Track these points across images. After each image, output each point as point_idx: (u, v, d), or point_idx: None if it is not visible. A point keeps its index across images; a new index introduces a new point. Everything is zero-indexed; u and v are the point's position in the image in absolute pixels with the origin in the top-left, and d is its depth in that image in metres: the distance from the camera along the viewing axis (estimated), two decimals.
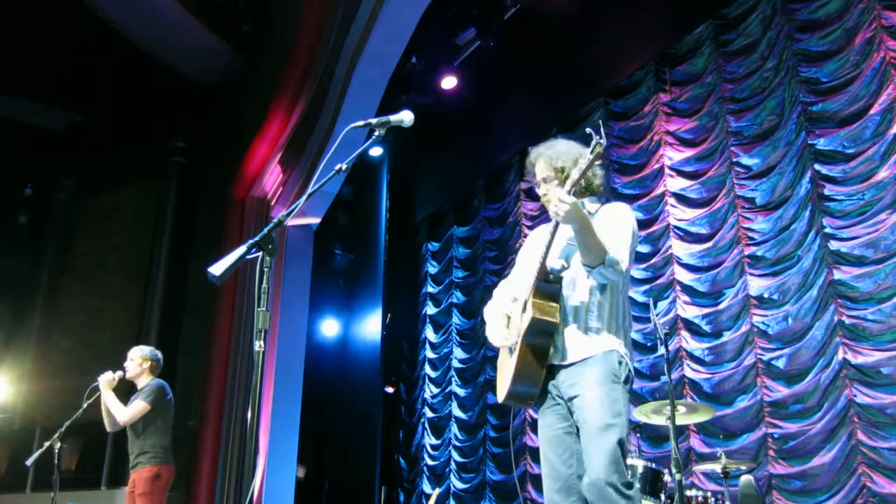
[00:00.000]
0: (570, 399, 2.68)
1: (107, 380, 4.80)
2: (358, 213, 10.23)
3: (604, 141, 2.56)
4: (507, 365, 2.82)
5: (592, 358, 2.68)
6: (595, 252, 2.62)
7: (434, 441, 9.04)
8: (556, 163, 2.89)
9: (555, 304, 2.71)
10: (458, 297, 9.20)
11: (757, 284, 5.72)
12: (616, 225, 2.78)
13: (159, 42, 8.89)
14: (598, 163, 2.65)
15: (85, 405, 4.83)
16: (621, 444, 2.56)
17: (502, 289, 3.10)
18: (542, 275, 2.71)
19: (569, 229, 2.77)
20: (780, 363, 5.47)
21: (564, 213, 2.55)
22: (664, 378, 5.20)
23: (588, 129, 2.62)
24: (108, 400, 4.78)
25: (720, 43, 6.38)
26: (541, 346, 2.70)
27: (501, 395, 2.83)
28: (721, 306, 5.93)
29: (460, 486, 8.44)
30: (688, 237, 6.33)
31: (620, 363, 2.69)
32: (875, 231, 5.04)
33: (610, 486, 2.49)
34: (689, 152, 6.46)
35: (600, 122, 2.77)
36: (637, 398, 6.20)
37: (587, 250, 2.64)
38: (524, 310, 2.76)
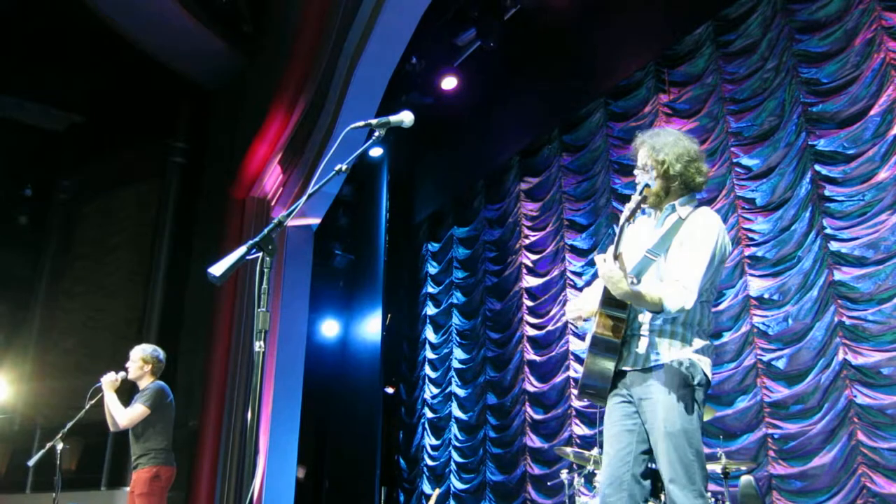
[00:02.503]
0: (641, 401, 2.66)
1: (109, 381, 4.79)
2: (358, 213, 10.23)
3: (652, 183, 2.66)
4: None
5: (665, 364, 2.63)
6: (652, 307, 2.59)
7: (434, 441, 9.04)
8: (659, 155, 2.78)
9: (621, 319, 2.66)
10: (458, 297, 9.20)
11: (757, 285, 5.72)
12: (692, 248, 2.65)
13: (159, 43, 8.90)
14: (644, 206, 2.71)
15: (87, 406, 4.83)
16: (696, 449, 2.53)
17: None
18: (608, 292, 2.64)
19: (648, 236, 2.79)
20: (781, 364, 5.47)
21: (604, 278, 2.56)
22: None
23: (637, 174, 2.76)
24: (110, 402, 4.78)
25: (720, 44, 6.38)
26: (605, 358, 2.69)
27: (578, 389, 2.85)
28: (721, 307, 5.92)
29: (460, 486, 8.44)
30: None
31: (693, 366, 2.63)
32: (875, 232, 5.04)
33: (678, 491, 2.49)
34: None
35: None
36: None
37: (644, 308, 2.63)
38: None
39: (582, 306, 2.84)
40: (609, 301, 2.66)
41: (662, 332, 2.67)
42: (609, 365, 2.69)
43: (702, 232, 2.67)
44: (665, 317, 2.63)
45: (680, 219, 2.75)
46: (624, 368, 2.71)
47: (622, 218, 2.62)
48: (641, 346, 2.69)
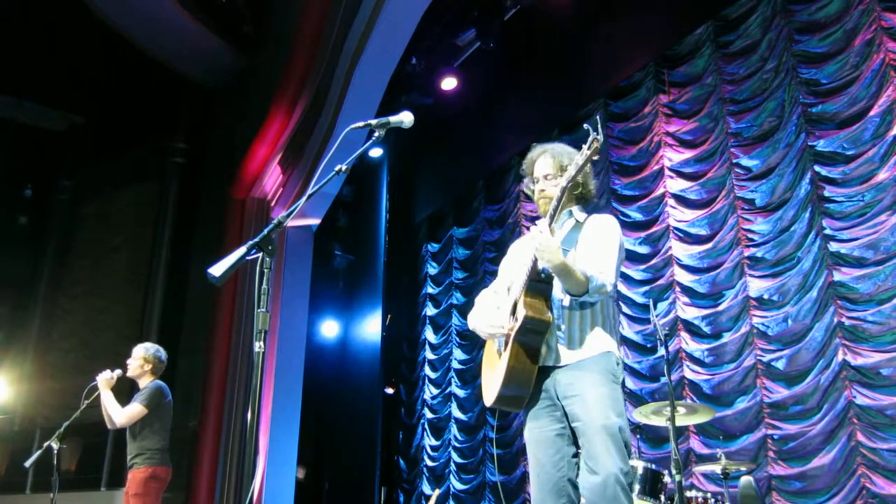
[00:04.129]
0: (568, 398, 2.65)
1: (105, 379, 4.79)
2: (358, 213, 10.23)
3: (601, 137, 2.55)
4: (497, 367, 2.77)
5: (589, 359, 2.67)
6: (577, 286, 2.62)
7: (434, 442, 9.04)
8: (563, 160, 2.83)
9: (545, 303, 2.69)
10: (457, 298, 9.20)
11: (757, 286, 5.71)
12: (602, 241, 2.75)
13: (159, 43, 8.91)
14: (595, 158, 2.63)
15: (84, 405, 4.82)
16: (626, 441, 2.59)
17: (484, 298, 3.04)
18: (533, 274, 2.68)
19: (563, 230, 2.83)
20: (780, 364, 5.47)
21: (540, 249, 2.57)
22: (664, 379, 5.21)
23: (585, 125, 2.61)
24: (106, 400, 4.77)
25: (720, 44, 6.38)
26: (532, 345, 2.68)
27: (490, 398, 2.77)
28: (721, 307, 5.92)
29: (460, 486, 8.44)
30: (687, 238, 6.33)
31: (618, 364, 2.71)
32: (875, 232, 5.04)
33: (620, 479, 2.51)
34: (688, 153, 6.46)
35: (598, 117, 2.77)
36: (637, 399, 6.20)
37: (569, 286, 2.64)
38: (514, 311, 2.74)
39: (502, 321, 2.79)
40: (534, 283, 2.68)
41: (583, 322, 2.71)
42: (533, 363, 2.67)
43: (605, 229, 2.80)
44: (590, 298, 2.66)
45: (578, 222, 2.84)
46: (546, 364, 2.71)
47: (564, 179, 2.63)
48: (562, 340, 2.70)
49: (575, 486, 2.64)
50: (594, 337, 2.70)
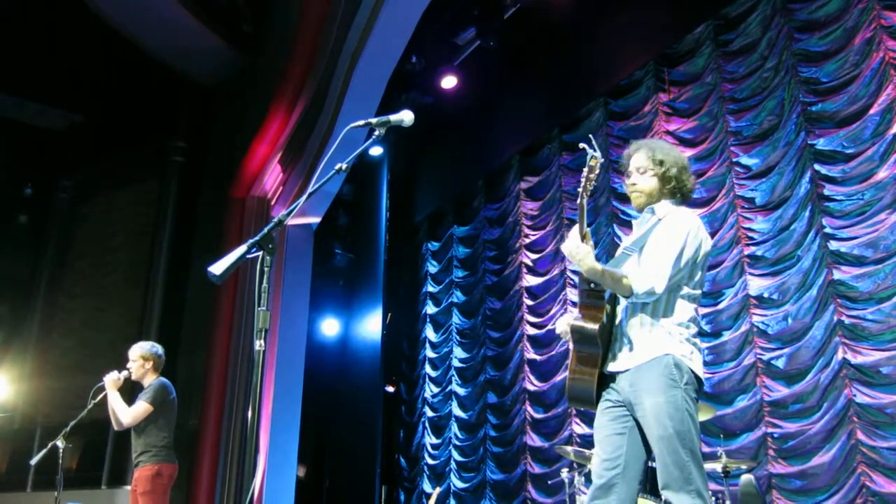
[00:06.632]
0: (633, 406, 2.66)
1: (112, 380, 4.80)
2: (358, 212, 10.24)
3: (598, 154, 2.63)
4: None
5: (646, 364, 2.64)
6: (619, 289, 2.64)
7: (434, 440, 9.05)
8: (656, 155, 2.87)
9: (599, 310, 2.69)
10: (458, 296, 9.21)
11: (756, 284, 5.72)
12: (662, 241, 2.71)
13: (159, 42, 8.91)
14: (592, 176, 2.68)
15: (90, 405, 4.84)
16: (690, 449, 2.53)
17: None
18: (585, 281, 2.71)
19: (644, 226, 2.84)
20: (780, 363, 5.47)
21: (569, 255, 2.63)
22: None
23: (581, 144, 2.68)
24: (113, 401, 4.78)
25: (720, 43, 6.38)
26: (587, 352, 2.70)
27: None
28: (721, 306, 5.93)
29: (460, 485, 8.45)
30: None
31: (677, 366, 2.62)
32: (875, 231, 5.04)
33: (673, 494, 2.51)
34: (688, 152, 6.45)
35: (591, 136, 2.80)
36: None
37: (611, 288, 2.67)
38: None
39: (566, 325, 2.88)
40: (586, 290, 2.71)
41: (642, 328, 2.68)
42: (592, 368, 2.69)
43: (674, 227, 2.73)
44: (638, 301, 2.65)
45: (658, 220, 2.82)
46: (609, 370, 2.73)
47: (579, 197, 2.69)
48: (623, 345, 2.71)
49: (628, 484, 2.66)
50: (651, 339, 2.67)
